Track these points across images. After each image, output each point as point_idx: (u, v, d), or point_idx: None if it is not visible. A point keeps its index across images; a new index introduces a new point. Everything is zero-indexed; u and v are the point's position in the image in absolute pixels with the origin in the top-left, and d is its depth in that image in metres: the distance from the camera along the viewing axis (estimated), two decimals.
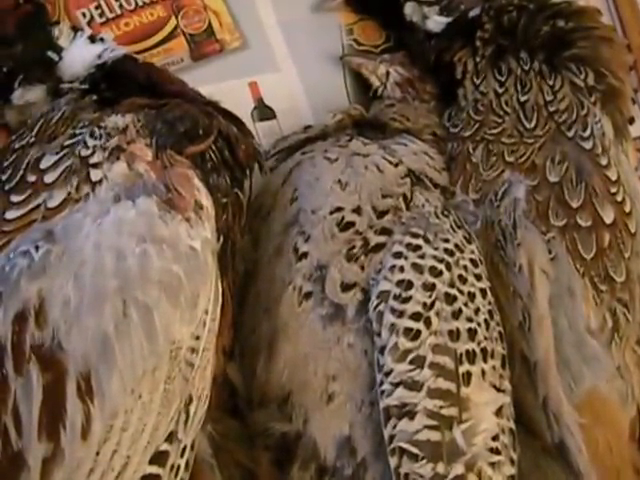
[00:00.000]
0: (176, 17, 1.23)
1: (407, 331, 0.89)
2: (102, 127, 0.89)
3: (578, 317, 1.00)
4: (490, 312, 0.94)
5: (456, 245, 0.95)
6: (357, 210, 0.97)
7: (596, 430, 0.97)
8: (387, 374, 0.88)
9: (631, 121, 1.18)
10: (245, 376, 0.95)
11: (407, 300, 0.90)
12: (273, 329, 0.94)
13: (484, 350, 0.91)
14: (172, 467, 0.78)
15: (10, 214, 0.82)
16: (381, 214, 0.97)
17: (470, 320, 0.91)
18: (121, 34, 1.20)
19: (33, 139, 0.90)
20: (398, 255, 0.93)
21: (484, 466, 0.86)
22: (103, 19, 1.20)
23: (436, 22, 1.21)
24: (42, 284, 0.74)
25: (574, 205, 1.04)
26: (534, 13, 1.16)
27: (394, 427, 0.86)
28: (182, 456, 0.79)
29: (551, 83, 1.12)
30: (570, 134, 1.08)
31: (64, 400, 0.72)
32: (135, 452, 0.75)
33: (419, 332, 0.89)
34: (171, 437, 0.78)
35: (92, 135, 0.88)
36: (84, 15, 1.20)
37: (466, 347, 0.90)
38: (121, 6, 1.21)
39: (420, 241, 0.94)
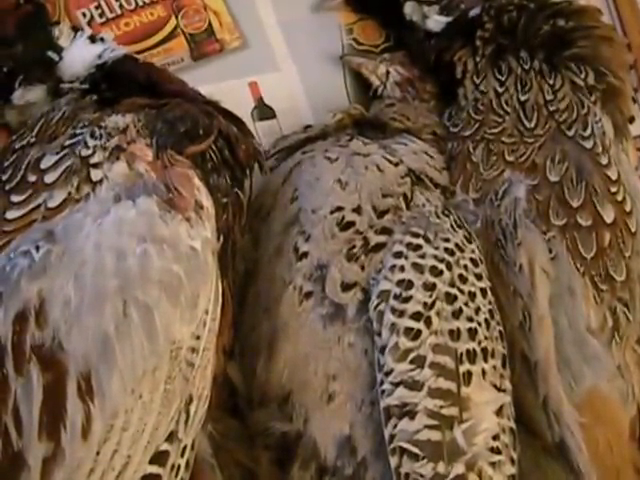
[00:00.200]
0: (176, 17, 1.23)
1: (407, 331, 0.89)
2: (102, 127, 0.89)
3: (578, 316, 1.00)
4: (490, 311, 0.94)
5: (456, 245, 0.95)
6: (357, 210, 0.97)
7: (596, 429, 0.97)
8: (387, 374, 0.88)
9: (631, 120, 1.17)
10: (245, 376, 0.95)
11: (407, 300, 0.90)
12: (273, 329, 0.94)
13: (485, 350, 0.91)
14: (172, 467, 0.78)
15: (10, 214, 0.82)
16: (381, 214, 0.97)
17: (470, 320, 0.91)
18: (121, 34, 1.20)
19: (33, 139, 0.90)
20: (398, 255, 0.93)
21: (485, 466, 0.86)
22: (103, 19, 1.20)
23: (436, 21, 1.21)
24: (42, 284, 0.74)
25: (574, 204, 1.04)
26: (534, 12, 1.16)
27: (394, 427, 0.86)
28: (182, 456, 0.79)
29: (551, 82, 1.12)
30: (570, 133, 1.08)
31: (64, 400, 0.72)
32: (135, 452, 0.75)
33: (419, 332, 0.89)
34: (171, 437, 0.78)
35: (92, 135, 0.88)
36: (84, 15, 1.20)
37: (467, 347, 0.90)
38: (121, 6, 1.21)
39: (420, 241, 0.94)
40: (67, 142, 0.88)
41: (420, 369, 0.87)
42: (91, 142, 0.87)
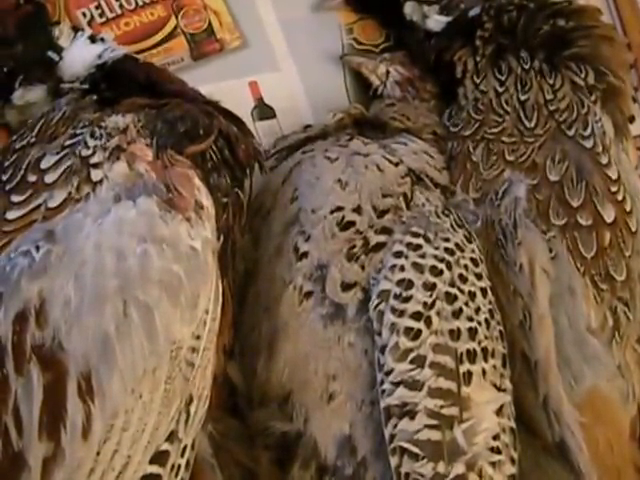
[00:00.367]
0: (176, 17, 1.23)
1: (408, 330, 0.89)
2: (102, 127, 0.89)
3: (579, 316, 1.00)
4: (491, 311, 0.94)
5: (456, 244, 0.95)
6: (357, 209, 0.97)
7: (597, 429, 0.97)
8: (388, 373, 0.88)
9: (631, 120, 1.18)
10: (245, 375, 0.95)
11: (408, 299, 0.90)
12: (273, 328, 0.94)
13: (485, 349, 0.91)
14: (172, 467, 0.78)
15: (11, 214, 0.82)
16: (381, 213, 0.97)
17: (471, 319, 0.92)
18: (121, 34, 1.20)
19: (34, 139, 0.90)
20: (398, 254, 0.93)
21: (485, 465, 0.86)
22: (103, 19, 1.20)
23: (436, 21, 1.21)
24: (43, 284, 0.74)
25: (574, 204, 1.04)
26: (534, 12, 1.16)
27: (395, 426, 0.86)
28: (182, 456, 0.79)
29: (551, 82, 1.12)
30: (570, 133, 1.08)
31: (65, 400, 0.72)
32: (136, 452, 0.75)
33: (420, 331, 0.89)
34: (172, 437, 0.78)
35: (92, 135, 0.88)
36: (84, 15, 1.20)
37: (467, 346, 0.90)
38: (121, 6, 1.21)
39: (420, 240, 0.94)
40: (67, 142, 0.88)
41: (420, 369, 0.87)
42: (91, 142, 0.87)
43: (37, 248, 0.76)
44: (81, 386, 0.72)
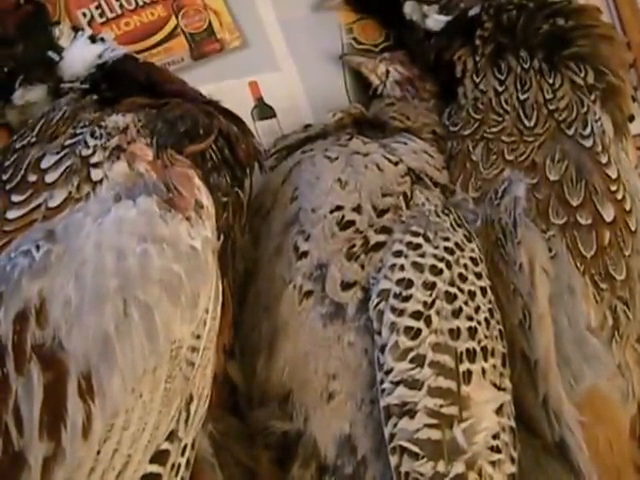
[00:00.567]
0: (176, 17, 1.23)
1: (407, 330, 0.89)
2: (103, 127, 0.89)
3: (578, 315, 1.00)
4: (490, 310, 0.95)
5: (456, 244, 0.96)
6: (357, 209, 0.97)
7: (596, 428, 0.97)
8: (387, 373, 0.88)
9: (631, 119, 1.18)
10: (245, 375, 0.95)
11: (407, 299, 0.90)
12: (273, 328, 0.94)
13: (484, 349, 0.91)
14: (173, 466, 0.78)
15: (11, 214, 0.82)
16: (381, 213, 0.97)
17: (470, 319, 0.92)
18: (121, 34, 1.20)
19: (34, 139, 0.90)
20: (398, 254, 0.94)
21: (485, 464, 0.87)
22: (103, 19, 1.20)
23: (436, 21, 1.21)
24: (43, 284, 0.74)
25: (574, 203, 1.04)
26: (534, 12, 1.17)
27: (394, 426, 0.86)
28: (183, 455, 0.79)
29: (551, 81, 1.12)
30: (570, 132, 1.08)
31: (65, 399, 0.72)
32: (136, 451, 0.75)
33: (419, 331, 0.89)
34: (172, 436, 0.78)
35: (93, 135, 0.88)
36: (84, 15, 1.20)
37: (466, 346, 0.90)
38: (121, 6, 1.21)
39: (420, 240, 0.95)
40: (67, 142, 0.88)
41: (420, 368, 0.87)
42: (91, 142, 0.87)
43: (37, 248, 0.76)
44: (81, 385, 0.73)
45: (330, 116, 1.14)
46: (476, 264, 0.96)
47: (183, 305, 0.78)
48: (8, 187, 0.85)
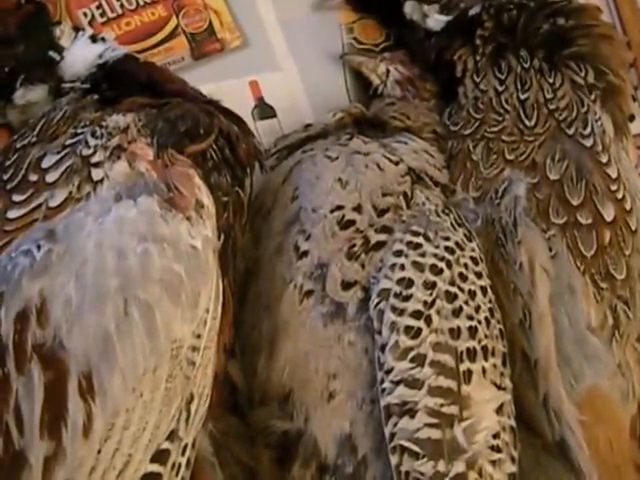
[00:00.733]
0: (177, 16, 1.23)
1: (408, 329, 0.89)
2: (103, 126, 0.89)
3: (579, 315, 1.00)
4: (491, 310, 0.95)
5: (457, 243, 0.96)
6: (357, 208, 0.97)
7: (597, 428, 0.97)
8: (388, 372, 0.88)
9: (631, 118, 1.18)
10: (246, 374, 0.95)
11: (408, 298, 0.91)
12: (274, 327, 0.94)
13: (485, 348, 0.91)
14: (173, 465, 0.78)
15: (12, 213, 0.82)
16: (381, 212, 0.97)
17: (471, 318, 0.92)
18: (122, 33, 1.20)
19: (35, 139, 0.90)
20: (399, 253, 0.94)
21: (485, 464, 0.87)
22: (104, 19, 1.20)
23: (436, 20, 1.21)
24: (44, 283, 0.75)
25: (574, 203, 1.04)
26: (534, 11, 1.16)
27: (395, 425, 0.86)
28: (183, 454, 0.80)
29: (551, 81, 1.12)
30: (570, 132, 1.08)
31: (65, 399, 0.72)
32: (136, 450, 0.75)
33: (420, 330, 0.89)
34: (172, 435, 0.78)
35: (93, 134, 0.88)
36: (85, 15, 1.20)
37: (467, 345, 0.90)
38: (122, 6, 1.21)
39: (421, 239, 0.95)
40: (68, 141, 0.88)
41: (420, 367, 0.87)
42: (92, 141, 0.87)
43: (38, 247, 0.76)
44: (82, 385, 0.73)
45: (330, 116, 1.14)
46: (476, 263, 0.96)
47: (184, 304, 0.78)
48: (9, 187, 0.85)
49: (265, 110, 1.23)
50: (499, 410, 0.90)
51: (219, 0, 1.25)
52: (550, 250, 1.01)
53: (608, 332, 1.01)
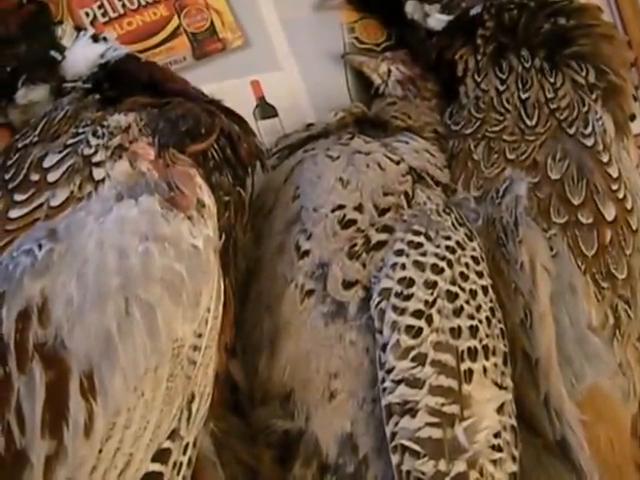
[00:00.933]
0: (178, 16, 1.23)
1: (409, 328, 0.89)
2: (105, 126, 0.89)
3: (580, 314, 1.00)
4: (492, 309, 0.95)
5: (458, 242, 0.96)
6: (359, 208, 0.97)
7: (598, 427, 0.97)
8: (389, 371, 0.88)
9: (632, 118, 1.18)
10: (247, 374, 0.95)
11: (409, 298, 0.91)
12: (275, 327, 0.94)
13: (486, 347, 0.91)
14: (174, 464, 0.78)
15: (13, 213, 0.82)
16: (383, 212, 0.98)
17: (472, 317, 0.92)
18: (124, 33, 1.20)
19: (36, 138, 0.90)
20: (400, 253, 0.94)
21: (486, 463, 0.87)
22: (106, 18, 1.21)
23: (437, 20, 1.21)
24: (45, 282, 0.75)
25: (575, 202, 1.04)
26: (535, 11, 1.17)
27: (396, 424, 0.86)
28: (184, 453, 0.79)
29: (552, 80, 1.12)
30: (571, 131, 1.08)
31: (67, 398, 0.72)
32: (138, 450, 0.75)
33: (421, 329, 0.89)
34: (173, 435, 0.78)
35: (95, 134, 0.88)
36: (87, 15, 1.20)
37: (468, 344, 0.90)
38: (124, 5, 1.21)
39: (422, 239, 0.95)
40: (70, 141, 0.88)
41: (421, 367, 0.87)
42: (93, 141, 0.87)
43: (39, 247, 0.76)
44: (83, 384, 0.73)
45: (332, 115, 1.14)
46: (477, 263, 0.96)
47: (185, 304, 0.78)
48: (10, 186, 0.85)
49: (266, 110, 1.23)
50: (500, 409, 0.90)
51: (221, 0, 1.25)
52: (551, 249, 1.01)
53: (609, 331, 1.01)
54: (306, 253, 0.96)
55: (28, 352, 0.73)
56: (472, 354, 0.90)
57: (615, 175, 1.07)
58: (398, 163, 1.03)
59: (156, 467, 0.77)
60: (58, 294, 0.74)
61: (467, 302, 0.92)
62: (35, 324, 0.73)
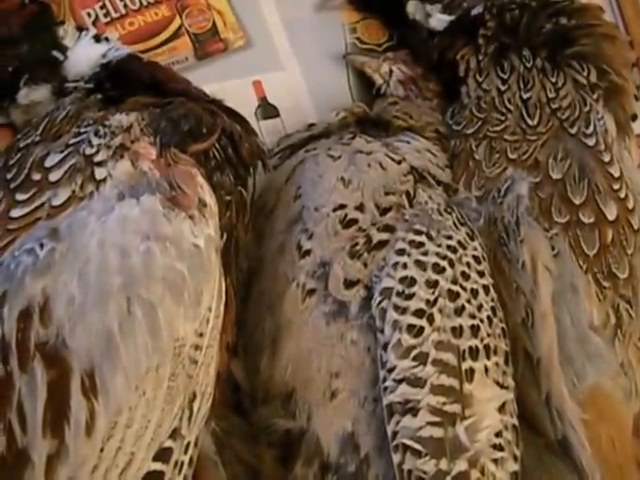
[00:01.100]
0: (180, 16, 1.23)
1: (410, 328, 0.89)
2: (106, 126, 0.89)
3: (581, 313, 1.00)
4: (493, 309, 0.95)
5: (459, 242, 0.96)
6: (360, 207, 0.97)
7: (599, 426, 0.97)
8: (390, 371, 0.88)
9: (634, 118, 1.18)
10: (249, 373, 0.95)
11: (410, 297, 0.91)
12: (276, 326, 0.94)
13: (487, 347, 0.91)
14: (176, 464, 0.78)
15: (15, 212, 0.82)
16: (384, 211, 0.98)
17: (473, 317, 0.92)
18: (126, 33, 1.20)
19: (38, 138, 0.90)
20: (401, 252, 0.94)
21: (487, 462, 0.86)
22: (108, 19, 1.21)
23: (439, 20, 1.21)
24: (47, 282, 0.74)
25: (577, 202, 1.04)
26: (536, 11, 1.17)
27: (397, 423, 0.86)
28: (186, 453, 0.79)
29: (554, 80, 1.12)
30: (573, 131, 1.08)
31: (68, 397, 0.72)
32: (139, 449, 0.75)
33: (422, 329, 0.89)
34: (175, 434, 0.78)
35: (96, 134, 0.88)
36: (89, 15, 1.20)
37: (469, 344, 0.90)
38: (126, 6, 1.21)
39: (423, 238, 0.95)
40: (71, 141, 0.88)
41: (423, 366, 0.87)
42: (95, 141, 0.87)
43: (41, 246, 0.76)
44: (85, 383, 0.72)
45: (333, 115, 1.14)
46: (479, 262, 0.96)
47: (186, 303, 0.78)
48: (12, 185, 0.85)
49: (268, 110, 1.23)
50: (501, 409, 0.90)
51: (222, 0, 1.25)
52: (552, 249, 1.01)
53: (610, 331, 1.01)
54: (307, 252, 0.96)
55: (29, 351, 0.72)
56: (473, 353, 0.90)
57: (617, 175, 1.07)
58: (399, 163, 1.03)
59: (157, 466, 0.77)
60: (60, 293, 0.74)
61: (468, 301, 0.92)
62: (37, 323, 0.73)
